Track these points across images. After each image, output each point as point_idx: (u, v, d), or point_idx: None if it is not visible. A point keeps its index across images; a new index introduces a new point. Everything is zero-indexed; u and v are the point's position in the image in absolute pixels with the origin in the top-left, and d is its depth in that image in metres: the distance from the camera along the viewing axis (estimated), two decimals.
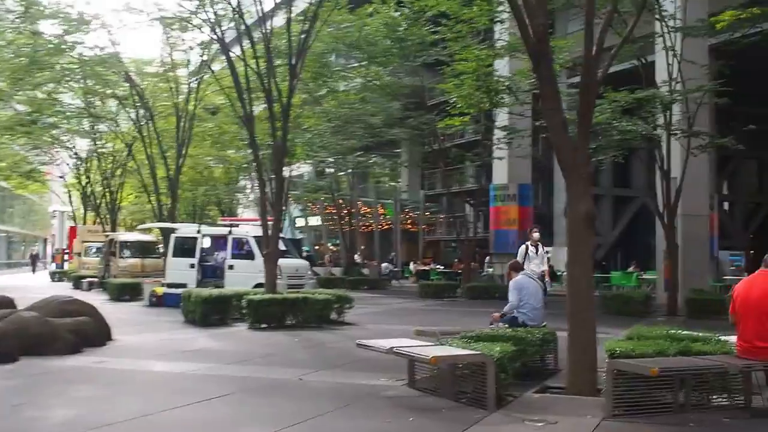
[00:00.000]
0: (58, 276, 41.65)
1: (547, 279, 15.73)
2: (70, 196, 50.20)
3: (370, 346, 8.94)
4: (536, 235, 15.86)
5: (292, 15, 19.16)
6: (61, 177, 49.55)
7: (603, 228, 42.22)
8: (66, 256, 49.29)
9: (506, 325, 10.39)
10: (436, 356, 7.66)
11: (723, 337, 8.53)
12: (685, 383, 7.47)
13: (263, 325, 16.13)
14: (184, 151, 31.17)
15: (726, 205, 45.67)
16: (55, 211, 74.27)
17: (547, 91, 8.60)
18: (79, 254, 39.36)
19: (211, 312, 16.93)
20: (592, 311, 8.50)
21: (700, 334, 8.75)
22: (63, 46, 29.39)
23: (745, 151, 40.67)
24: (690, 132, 19.44)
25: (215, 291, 17.70)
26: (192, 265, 23.59)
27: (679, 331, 8.95)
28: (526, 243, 15.86)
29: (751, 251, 43.69)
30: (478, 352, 7.75)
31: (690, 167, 20.84)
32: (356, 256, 44.13)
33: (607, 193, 43.25)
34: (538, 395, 8.27)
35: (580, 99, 8.73)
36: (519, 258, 14.99)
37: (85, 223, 47.02)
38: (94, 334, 13.14)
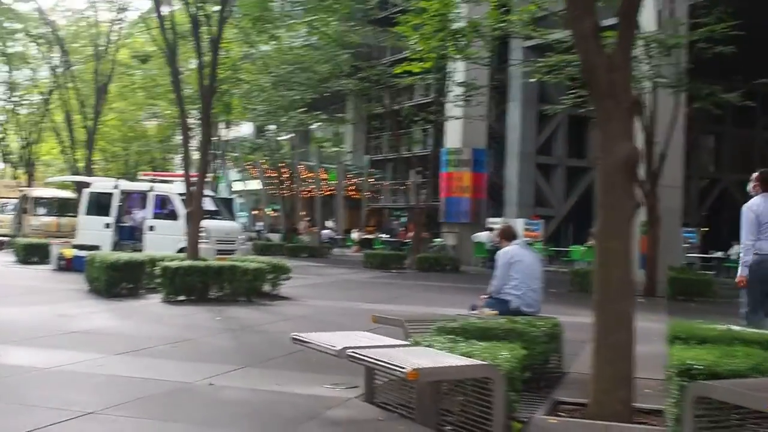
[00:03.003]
0: None
1: None
2: None
3: (312, 344, 6.04)
4: None
5: None
6: None
7: (555, 200, 40.47)
8: None
9: (495, 311, 7.76)
10: (418, 369, 4.76)
11: None
12: None
13: (181, 298, 13.48)
14: (103, 97, 28.09)
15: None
16: None
17: None
18: None
19: (118, 280, 14.11)
20: (632, 303, 5.94)
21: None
22: None
23: (703, 126, 39.17)
24: (692, 84, 16.97)
25: (124, 255, 14.78)
26: (107, 225, 21.30)
27: (741, 329, 6.44)
28: (755, 205, 8.18)
29: (705, 228, 42.53)
30: (482, 363, 5.01)
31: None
32: (328, 223, 40.90)
33: (560, 163, 41.17)
34: (555, 420, 5.64)
35: None
36: (746, 230, 8.00)
37: (2, 177, 44.21)
38: None
